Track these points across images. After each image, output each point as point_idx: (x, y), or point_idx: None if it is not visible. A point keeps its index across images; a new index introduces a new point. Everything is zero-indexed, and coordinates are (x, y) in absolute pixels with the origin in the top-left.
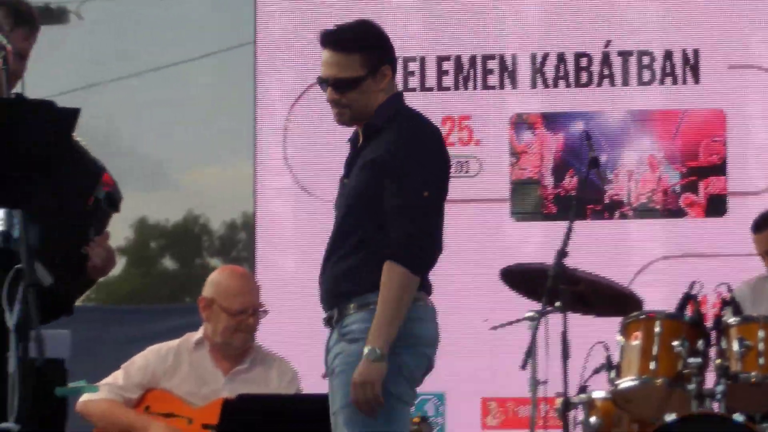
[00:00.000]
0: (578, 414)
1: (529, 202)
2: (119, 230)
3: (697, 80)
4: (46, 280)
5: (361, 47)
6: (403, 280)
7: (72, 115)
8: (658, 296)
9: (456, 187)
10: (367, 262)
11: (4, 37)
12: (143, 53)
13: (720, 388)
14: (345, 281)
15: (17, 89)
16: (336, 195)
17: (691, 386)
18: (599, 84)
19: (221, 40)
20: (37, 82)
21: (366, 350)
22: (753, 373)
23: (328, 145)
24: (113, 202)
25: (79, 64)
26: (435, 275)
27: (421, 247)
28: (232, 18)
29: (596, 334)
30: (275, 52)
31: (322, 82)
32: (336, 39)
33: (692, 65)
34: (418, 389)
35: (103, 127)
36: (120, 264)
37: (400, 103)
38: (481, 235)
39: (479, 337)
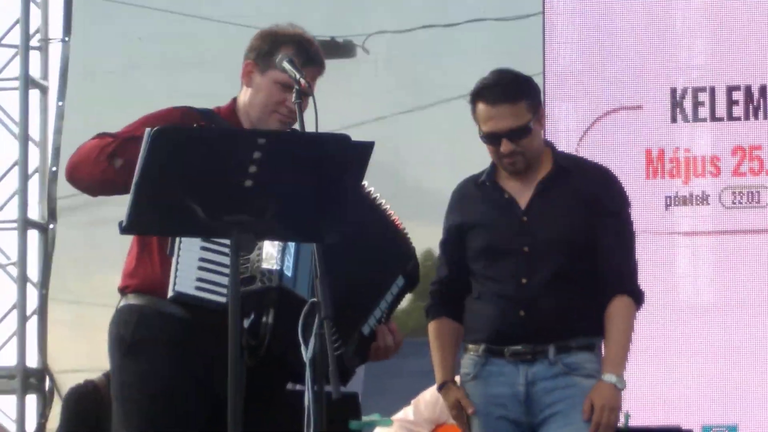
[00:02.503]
0: None
1: None
2: None
3: None
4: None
5: (525, 94)
6: (634, 314)
7: (367, 149)
8: None
9: (747, 218)
10: (590, 303)
11: (298, 72)
12: (431, 85)
13: None
14: (567, 321)
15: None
16: (496, 231)
17: None
18: None
19: None
20: (325, 117)
21: (615, 378)
22: None
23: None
24: (412, 284)
25: (367, 97)
26: (724, 306)
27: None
28: (520, 48)
29: None
30: (564, 82)
31: (494, 137)
32: (502, 91)
33: None
34: (712, 421)
35: (390, 160)
36: (408, 297)
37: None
38: None
39: None
